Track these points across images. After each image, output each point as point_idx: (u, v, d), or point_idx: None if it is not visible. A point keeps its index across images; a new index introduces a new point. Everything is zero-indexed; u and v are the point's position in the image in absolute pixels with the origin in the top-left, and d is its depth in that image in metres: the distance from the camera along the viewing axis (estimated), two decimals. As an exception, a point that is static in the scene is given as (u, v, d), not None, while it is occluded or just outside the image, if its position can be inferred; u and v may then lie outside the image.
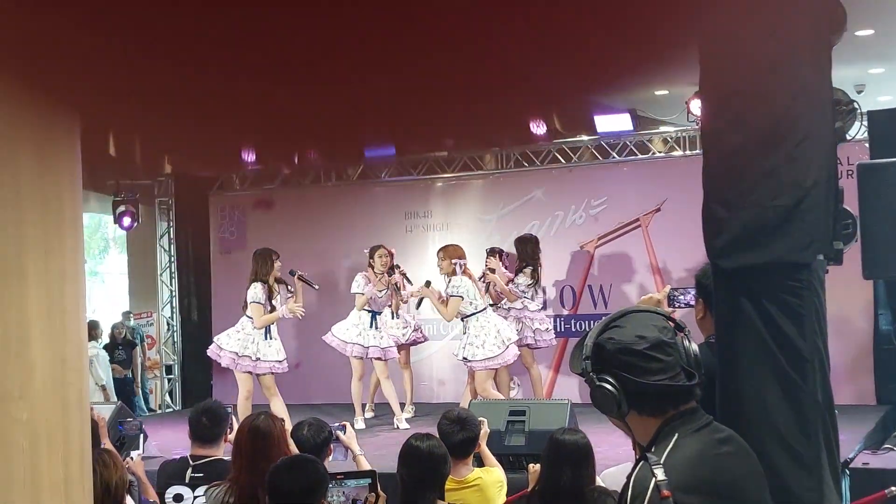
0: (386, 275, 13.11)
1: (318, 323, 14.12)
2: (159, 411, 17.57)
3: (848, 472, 7.94)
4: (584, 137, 15.16)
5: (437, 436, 6.17)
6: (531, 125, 14.29)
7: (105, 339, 17.28)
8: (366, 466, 6.51)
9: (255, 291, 11.93)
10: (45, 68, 3.21)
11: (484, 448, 7.06)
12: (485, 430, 7.01)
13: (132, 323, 18.02)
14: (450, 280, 12.21)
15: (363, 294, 12.99)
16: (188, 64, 3.12)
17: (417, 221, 16.18)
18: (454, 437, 6.48)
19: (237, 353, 11.91)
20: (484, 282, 13.12)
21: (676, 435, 3.04)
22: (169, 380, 17.86)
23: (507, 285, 13.16)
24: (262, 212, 17.19)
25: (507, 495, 6.69)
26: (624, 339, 3.09)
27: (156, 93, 3.27)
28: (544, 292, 13.77)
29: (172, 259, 17.73)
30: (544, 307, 13.73)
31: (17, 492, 3.24)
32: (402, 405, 13.29)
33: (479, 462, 7.09)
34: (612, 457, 8.27)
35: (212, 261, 17.49)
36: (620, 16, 3.42)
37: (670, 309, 5.12)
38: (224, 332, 12.32)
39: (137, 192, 17.33)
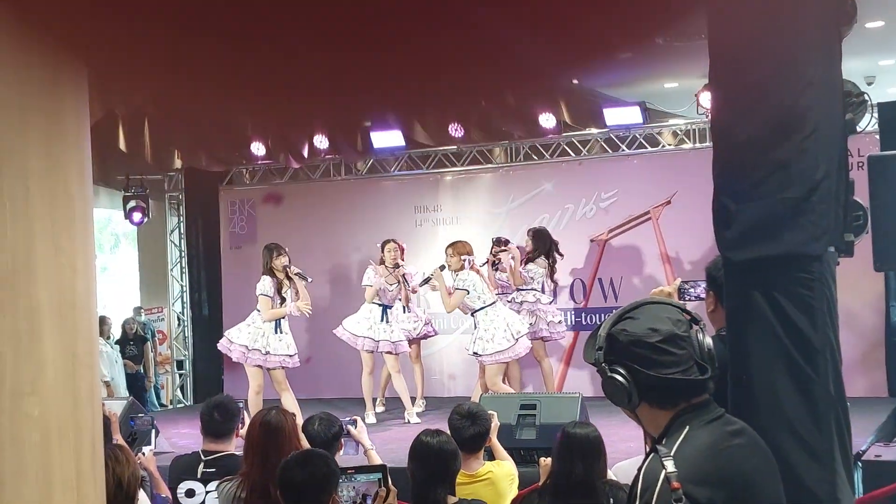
0: (394, 269, 13.10)
1: (328, 317, 14.12)
2: (171, 406, 17.61)
3: (860, 464, 7.95)
4: (594, 130, 15.13)
5: (448, 431, 6.17)
6: (540, 117, 14.30)
7: (114, 335, 17.29)
8: (377, 461, 6.51)
9: (264, 284, 11.95)
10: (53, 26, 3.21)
11: (495, 441, 7.06)
12: (495, 422, 7.01)
13: (143, 318, 18.04)
14: (457, 275, 12.26)
15: (372, 286, 13.01)
16: (199, 31, 3.11)
17: (427, 215, 16.17)
18: (465, 431, 6.48)
19: (247, 347, 11.91)
20: (494, 265, 13.10)
21: (688, 427, 3.03)
22: (180, 375, 17.89)
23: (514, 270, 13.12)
24: (272, 206, 17.21)
25: (519, 489, 6.68)
26: (637, 331, 3.08)
27: (166, 53, 3.27)
28: (556, 285, 13.74)
29: (183, 254, 17.77)
30: (554, 300, 13.71)
31: (30, 487, 3.24)
32: (413, 399, 13.29)
33: (490, 456, 7.09)
34: (624, 450, 8.27)
35: (222, 255, 17.49)
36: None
37: (681, 302, 5.11)
38: (235, 326, 12.34)
39: (148, 187, 17.38)
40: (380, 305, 13.02)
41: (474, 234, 14.54)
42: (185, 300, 17.79)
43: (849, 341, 8.23)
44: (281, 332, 12.01)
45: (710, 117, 5.90)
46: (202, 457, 6.69)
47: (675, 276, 13.36)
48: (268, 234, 15.56)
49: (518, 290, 13.13)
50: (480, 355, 11.97)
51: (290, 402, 11.46)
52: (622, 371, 3.07)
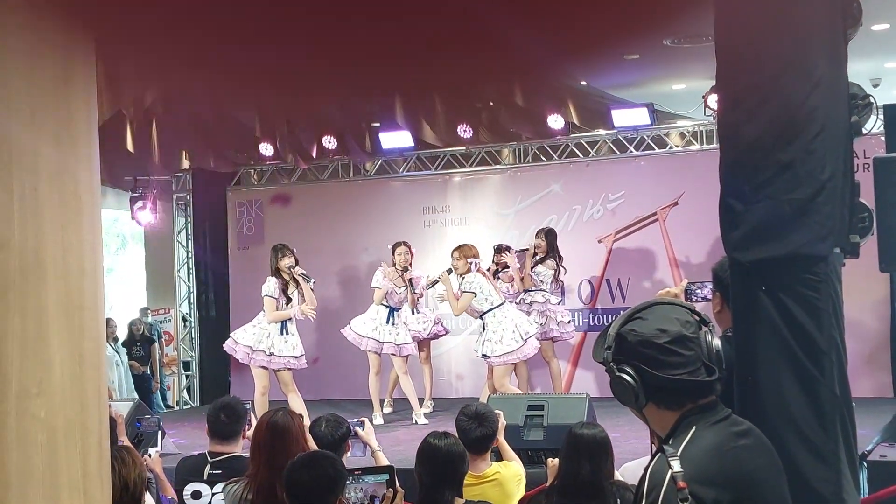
0: (403, 272, 13.11)
1: (336, 318, 14.14)
2: (177, 408, 17.59)
3: (865, 464, 7.95)
4: (602, 132, 15.15)
5: (455, 433, 6.18)
6: (548, 118, 14.32)
7: (119, 337, 17.27)
8: (384, 462, 6.51)
9: (269, 285, 11.93)
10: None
11: (502, 441, 7.05)
12: (502, 421, 7.00)
13: (150, 319, 18.01)
14: (464, 278, 12.27)
15: (380, 288, 13.03)
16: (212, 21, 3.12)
17: (435, 216, 16.18)
18: (472, 433, 6.49)
19: (251, 348, 11.88)
20: (498, 272, 13.10)
21: (694, 428, 3.04)
22: (187, 376, 17.88)
23: (521, 275, 13.13)
24: (280, 207, 17.21)
25: (526, 490, 6.68)
26: (645, 331, 3.08)
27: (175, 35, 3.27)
28: (563, 285, 13.74)
29: (190, 255, 17.75)
30: (562, 299, 13.71)
31: (36, 488, 3.25)
32: (422, 400, 13.30)
33: (498, 456, 7.08)
34: (631, 451, 8.28)
35: (229, 256, 17.49)
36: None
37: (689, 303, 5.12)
38: (241, 327, 12.33)
39: (155, 188, 17.36)
40: (387, 307, 13.04)
41: (482, 234, 14.57)
42: (192, 301, 17.77)
43: (854, 342, 8.24)
44: (287, 334, 11.98)
45: (717, 119, 5.90)
46: (209, 458, 6.69)
47: (682, 276, 13.38)
48: (275, 235, 15.55)
49: (527, 291, 13.14)
50: (489, 357, 11.97)
51: (297, 404, 11.45)
52: (630, 371, 3.08)
